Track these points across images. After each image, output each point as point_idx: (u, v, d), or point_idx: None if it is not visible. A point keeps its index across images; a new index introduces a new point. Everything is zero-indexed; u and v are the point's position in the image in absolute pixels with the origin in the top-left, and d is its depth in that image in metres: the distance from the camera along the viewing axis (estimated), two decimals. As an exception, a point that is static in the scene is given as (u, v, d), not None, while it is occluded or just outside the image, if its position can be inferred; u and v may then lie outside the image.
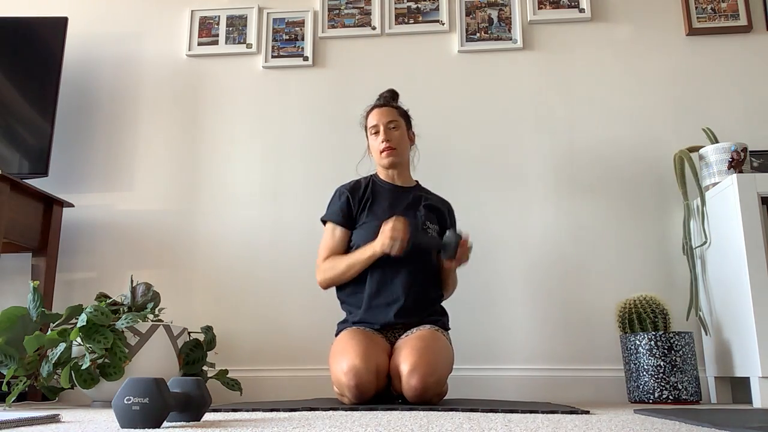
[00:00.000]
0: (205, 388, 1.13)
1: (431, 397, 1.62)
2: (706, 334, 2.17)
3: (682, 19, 2.53)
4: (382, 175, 2.00)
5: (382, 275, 1.85)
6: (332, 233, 1.93)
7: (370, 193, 1.95)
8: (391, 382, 1.69)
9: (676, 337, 1.93)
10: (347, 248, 1.91)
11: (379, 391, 1.67)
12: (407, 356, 1.62)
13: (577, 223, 2.38)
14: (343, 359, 1.63)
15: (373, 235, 1.82)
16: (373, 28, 2.63)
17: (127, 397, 0.97)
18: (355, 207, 1.93)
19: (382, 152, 1.93)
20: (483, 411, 1.40)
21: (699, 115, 2.43)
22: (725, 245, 2.04)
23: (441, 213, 1.99)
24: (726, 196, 2.03)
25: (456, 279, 2.01)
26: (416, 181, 2.05)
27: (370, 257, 1.79)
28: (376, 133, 1.95)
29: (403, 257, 1.78)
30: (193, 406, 1.10)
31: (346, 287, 1.90)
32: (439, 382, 1.62)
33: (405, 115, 2.02)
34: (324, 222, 1.97)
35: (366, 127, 2.01)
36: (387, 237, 1.73)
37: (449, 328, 1.94)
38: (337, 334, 1.88)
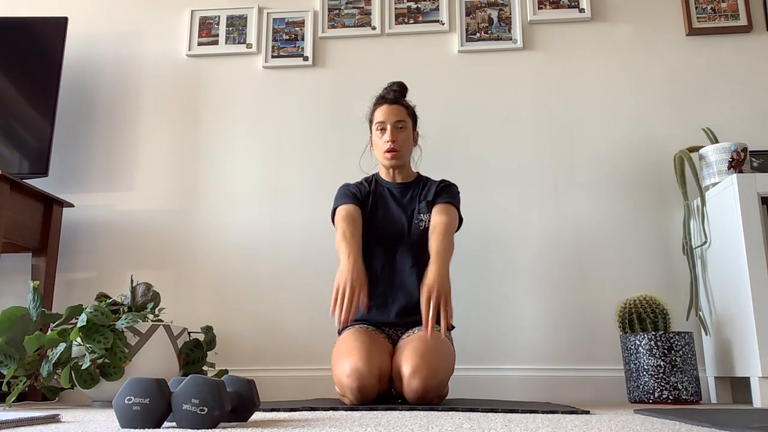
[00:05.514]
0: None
1: (432, 399, 1.62)
2: (706, 334, 2.17)
3: (682, 19, 2.53)
4: (383, 173, 2.01)
5: (382, 275, 1.86)
6: (346, 209, 1.87)
7: (374, 193, 1.96)
8: (392, 383, 1.69)
9: (676, 337, 1.93)
10: (359, 222, 1.87)
11: (381, 393, 1.67)
12: (408, 357, 1.61)
13: (576, 223, 2.38)
14: (346, 361, 1.63)
15: (376, 237, 1.90)
16: (373, 28, 2.63)
17: (128, 397, 0.97)
18: (360, 198, 1.94)
19: (385, 152, 1.92)
20: (483, 411, 1.40)
21: (699, 115, 2.43)
22: (725, 245, 2.04)
23: (432, 194, 1.94)
24: (726, 196, 2.03)
25: (446, 245, 1.78)
26: (417, 173, 2.03)
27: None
28: (382, 130, 1.93)
29: (404, 254, 1.87)
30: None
31: None
32: (440, 385, 1.62)
33: (413, 115, 2.01)
34: (333, 214, 1.92)
35: (371, 121, 1.98)
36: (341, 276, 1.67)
37: (453, 327, 1.93)
38: (339, 331, 1.88)
